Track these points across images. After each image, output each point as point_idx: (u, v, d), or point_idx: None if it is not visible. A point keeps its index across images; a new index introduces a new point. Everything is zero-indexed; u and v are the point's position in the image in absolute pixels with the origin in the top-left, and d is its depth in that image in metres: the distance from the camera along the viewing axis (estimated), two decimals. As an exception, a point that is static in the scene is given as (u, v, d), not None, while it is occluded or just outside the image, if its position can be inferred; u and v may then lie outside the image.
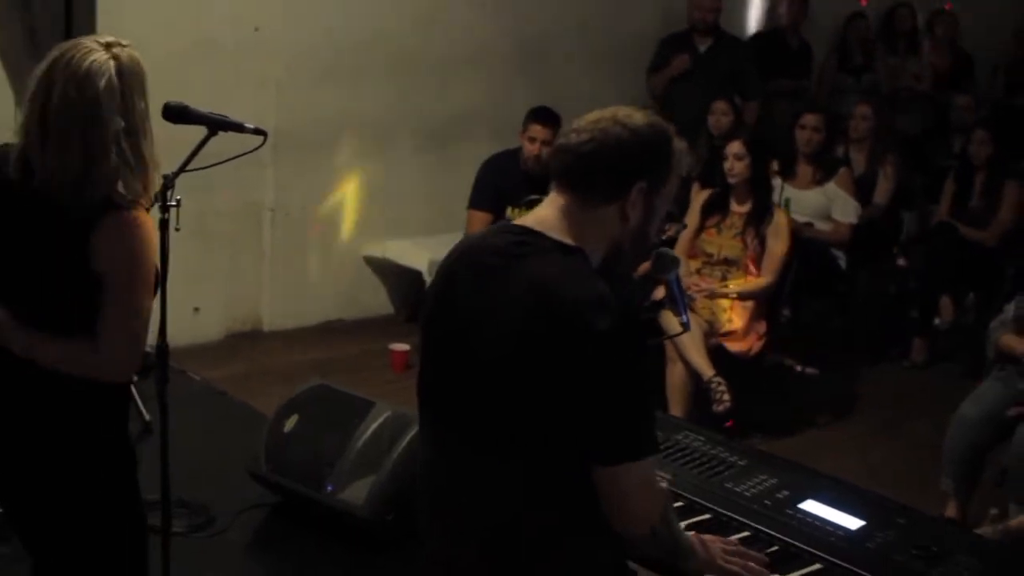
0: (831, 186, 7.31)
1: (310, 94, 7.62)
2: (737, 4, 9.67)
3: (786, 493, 3.15)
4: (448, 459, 2.72)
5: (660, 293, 3.17)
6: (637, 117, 2.66)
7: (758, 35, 9.70)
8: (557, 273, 2.54)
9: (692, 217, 6.54)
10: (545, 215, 2.68)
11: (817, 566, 2.87)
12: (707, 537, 2.87)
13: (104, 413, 3.20)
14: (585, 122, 2.67)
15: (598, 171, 2.63)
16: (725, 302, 6.38)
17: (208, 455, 5.72)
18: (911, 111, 9.44)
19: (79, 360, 3.06)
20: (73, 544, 3.25)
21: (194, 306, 7.36)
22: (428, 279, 7.62)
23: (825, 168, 7.37)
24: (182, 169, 3.89)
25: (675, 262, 2.85)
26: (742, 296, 6.38)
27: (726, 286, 6.42)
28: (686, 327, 2.97)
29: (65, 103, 2.99)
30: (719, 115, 7.68)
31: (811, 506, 3.10)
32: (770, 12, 9.94)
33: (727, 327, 6.33)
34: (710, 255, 6.51)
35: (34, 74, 3.07)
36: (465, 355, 2.63)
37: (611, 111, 2.67)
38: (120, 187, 3.02)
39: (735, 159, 6.42)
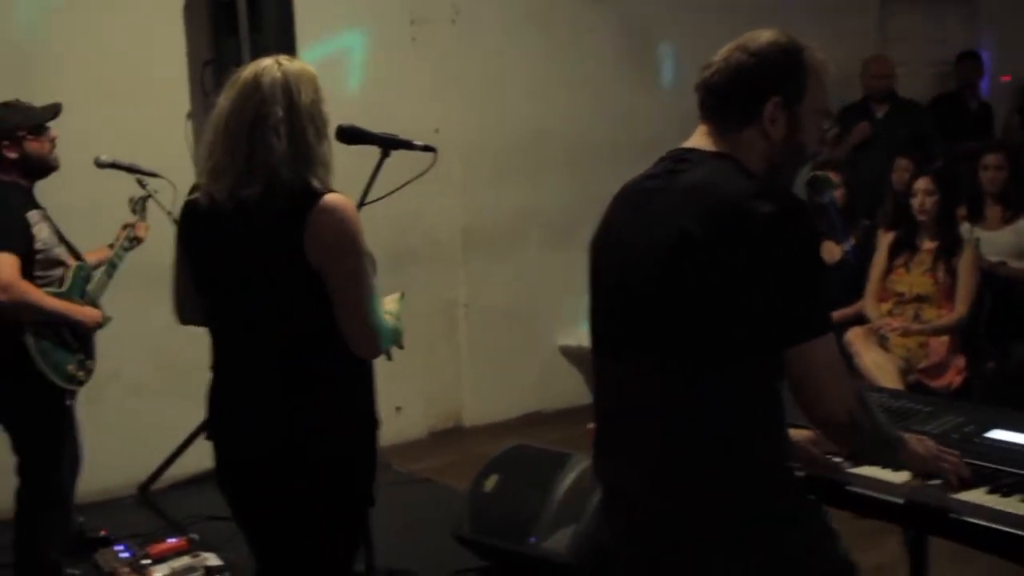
0: (1022, 223, 7.16)
1: (493, 191, 7.86)
2: (911, 69, 9.64)
3: (972, 427, 3.14)
4: (627, 378, 2.73)
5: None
6: (763, 38, 2.69)
7: (937, 98, 9.66)
8: (711, 175, 2.59)
9: (879, 259, 6.49)
10: (696, 141, 2.73)
11: (1009, 481, 2.81)
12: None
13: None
14: (716, 56, 2.73)
15: (727, 98, 2.68)
16: (921, 338, 6.29)
17: (415, 530, 5.81)
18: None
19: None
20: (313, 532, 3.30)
21: (396, 405, 7.48)
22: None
23: (1013, 205, 7.21)
24: (362, 203, 4.04)
25: (830, 183, 2.85)
26: (937, 331, 6.28)
27: (920, 323, 6.35)
28: (849, 255, 2.96)
29: (234, 106, 3.13)
30: (902, 171, 7.59)
31: (998, 434, 3.08)
32: (944, 75, 9.94)
33: (925, 363, 6.22)
34: (901, 294, 6.43)
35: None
36: (636, 272, 2.66)
37: (739, 39, 2.72)
38: (298, 175, 3.08)
39: (925, 195, 6.38)
